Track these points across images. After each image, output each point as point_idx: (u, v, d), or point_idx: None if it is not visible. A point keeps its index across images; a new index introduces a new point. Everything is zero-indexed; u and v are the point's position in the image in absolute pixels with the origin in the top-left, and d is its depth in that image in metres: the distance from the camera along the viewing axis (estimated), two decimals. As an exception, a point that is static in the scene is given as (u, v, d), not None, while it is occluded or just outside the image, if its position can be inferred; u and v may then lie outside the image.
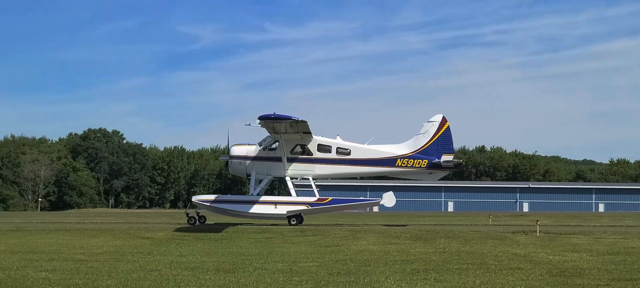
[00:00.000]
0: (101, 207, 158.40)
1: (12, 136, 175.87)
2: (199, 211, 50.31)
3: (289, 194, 49.69)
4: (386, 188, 55.99)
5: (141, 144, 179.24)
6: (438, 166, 50.32)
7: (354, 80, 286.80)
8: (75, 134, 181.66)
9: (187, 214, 49.62)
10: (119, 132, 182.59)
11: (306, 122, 45.58)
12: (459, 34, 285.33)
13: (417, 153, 50.14)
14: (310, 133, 48.43)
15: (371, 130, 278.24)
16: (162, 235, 35.99)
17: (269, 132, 48.37)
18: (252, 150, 50.06)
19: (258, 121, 44.37)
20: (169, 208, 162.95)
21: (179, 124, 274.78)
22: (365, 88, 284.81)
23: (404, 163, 50.16)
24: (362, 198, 59.46)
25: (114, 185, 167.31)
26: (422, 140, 50.27)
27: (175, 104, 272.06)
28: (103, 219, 59.35)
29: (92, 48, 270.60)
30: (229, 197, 58.67)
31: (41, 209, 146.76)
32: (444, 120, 50.34)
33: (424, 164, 50.05)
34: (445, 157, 49.80)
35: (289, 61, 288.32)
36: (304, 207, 49.06)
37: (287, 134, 48.22)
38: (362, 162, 50.41)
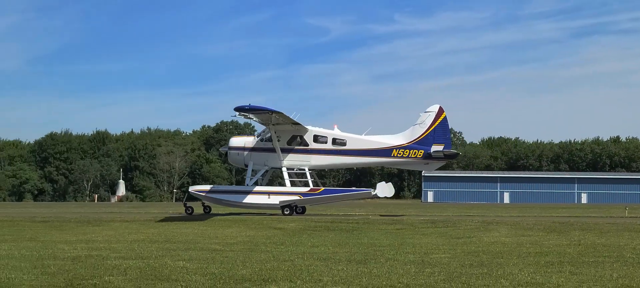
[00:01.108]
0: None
1: (149, 129, 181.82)
2: (204, 202, 52.01)
3: (284, 185, 50.23)
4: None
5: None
6: (448, 156, 51.04)
7: (484, 70, 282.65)
8: (208, 127, 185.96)
9: (185, 204, 51.10)
10: (250, 125, 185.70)
11: (282, 113, 46.18)
12: (593, 22, 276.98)
13: (414, 144, 50.04)
14: (299, 124, 49.16)
15: (499, 121, 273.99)
16: (293, 225, 36.41)
17: (262, 124, 49.33)
18: (249, 141, 51.49)
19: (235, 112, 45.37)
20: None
21: (309, 116, 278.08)
22: (495, 78, 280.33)
23: (400, 154, 50.26)
24: (354, 188, 58.79)
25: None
26: (418, 130, 50.16)
27: (305, 96, 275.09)
28: (239, 210, 60.63)
29: (224, 42, 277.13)
30: (223, 187, 61.24)
31: (176, 200, 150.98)
32: (441, 110, 50.16)
33: (420, 154, 49.97)
34: (435, 147, 49.60)
35: (418, 52, 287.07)
36: (296, 197, 49.54)
37: (280, 125, 49.11)
38: (358, 152, 50.68)
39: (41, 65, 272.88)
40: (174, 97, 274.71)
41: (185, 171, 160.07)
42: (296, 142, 50.21)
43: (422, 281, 16.53)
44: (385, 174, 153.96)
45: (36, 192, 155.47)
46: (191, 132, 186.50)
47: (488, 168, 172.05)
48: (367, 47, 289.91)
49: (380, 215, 48.85)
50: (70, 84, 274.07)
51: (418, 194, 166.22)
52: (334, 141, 50.50)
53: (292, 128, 49.73)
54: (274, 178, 59.45)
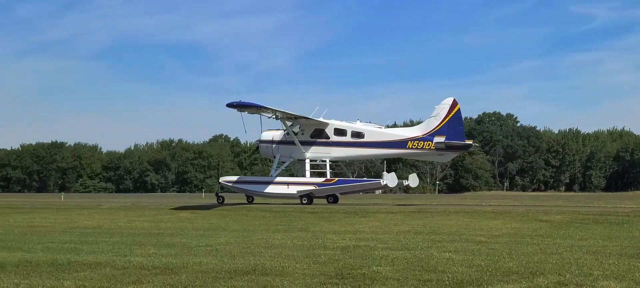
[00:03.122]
0: (496, 189, 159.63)
1: (411, 121, 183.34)
2: (218, 193, 57.51)
3: (304, 175, 53.95)
4: None
5: (535, 127, 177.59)
6: (452, 147, 52.54)
7: None
8: (470, 118, 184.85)
9: (217, 194, 56.85)
10: (513, 115, 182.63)
11: (270, 108, 48.96)
12: None
13: (428, 136, 52.19)
14: (304, 117, 52.61)
15: None
16: (559, 218, 35.26)
17: (278, 119, 52.73)
18: (277, 135, 55.01)
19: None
20: (564, 191, 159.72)
21: (571, 106, 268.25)
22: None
23: (415, 146, 52.47)
24: (365, 179, 59.64)
25: (509, 168, 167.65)
26: (433, 122, 52.32)
27: (567, 86, 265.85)
28: (499, 202, 59.81)
29: (484, 32, 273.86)
30: (248, 178, 65.31)
31: (438, 192, 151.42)
32: (454, 103, 52.29)
33: (433, 146, 52.02)
34: (438, 138, 51.87)
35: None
36: (312, 188, 53.05)
37: (303, 119, 52.78)
38: (376, 144, 53.43)
39: (308, 61, 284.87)
40: (435, 89, 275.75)
41: (448, 163, 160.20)
42: (318, 135, 53.74)
43: None
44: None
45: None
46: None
47: None
48: (635, 34, 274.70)
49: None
50: (336, 78, 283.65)
51: None
52: (353, 134, 53.59)
53: (315, 122, 52.91)
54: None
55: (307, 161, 53.88)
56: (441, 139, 51.75)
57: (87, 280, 16.31)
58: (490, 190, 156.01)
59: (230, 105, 48.04)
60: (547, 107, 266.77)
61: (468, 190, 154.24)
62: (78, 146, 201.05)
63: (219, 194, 56.79)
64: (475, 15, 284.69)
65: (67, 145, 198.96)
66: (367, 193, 59.77)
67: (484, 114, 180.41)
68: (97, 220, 34.36)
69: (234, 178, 59.01)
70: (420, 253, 20.13)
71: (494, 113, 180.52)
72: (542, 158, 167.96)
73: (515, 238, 24.85)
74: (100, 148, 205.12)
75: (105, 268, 17.81)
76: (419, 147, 52.51)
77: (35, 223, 32.78)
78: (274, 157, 55.50)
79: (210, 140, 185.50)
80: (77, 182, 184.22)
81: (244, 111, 49.86)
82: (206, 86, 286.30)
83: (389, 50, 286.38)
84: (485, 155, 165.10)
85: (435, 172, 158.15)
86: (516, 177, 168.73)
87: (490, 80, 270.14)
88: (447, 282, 15.63)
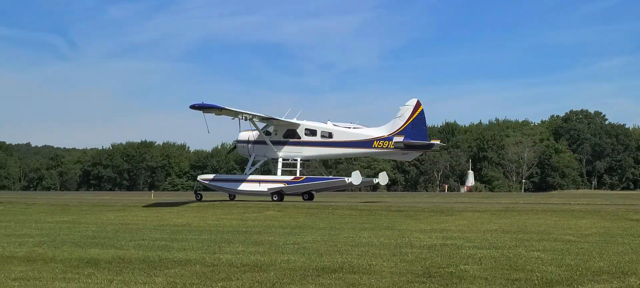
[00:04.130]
0: (583, 188, 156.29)
1: (496, 120, 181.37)
2: (197, 190, 59.37)
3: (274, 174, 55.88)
4: None
5: (624, 125, 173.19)
6: (411, 147, 53.88)
7: None
8: (557, 116, 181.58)
9: (195, 191, 58.81)
10: (601, 113, 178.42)
11: (230, 109, 49.91)
12: None
13: (393, 135, 53.66)
14: (272, 118, 54.44)
15: None
16: (651, 217, 34.35)
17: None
18: (253, 135, 56.49)
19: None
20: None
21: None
22: None
23: (380, 145, 54.06)
24: (331, 177, 59.65)
25: (597, 166, 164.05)
26: (398, 122, 53.75)
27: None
28: (588, 200, 58.60)
29: (571, 30, 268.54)
30: (224, 176, 66.64)
31: (524, 190, 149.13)
32: (418, 104, 53.69)
33: (402, 145, 53.61)
34: (397, 138, 53.42)
35: None
36: (282, 185, 54.67)
37: (276, 121, 54.71)
38: (343, 144, 55.05)
39: (392, 60, 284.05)
40: (521, 87, 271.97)
41: (534, 161, 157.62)
42: (290, 135, 55.47)
43: None
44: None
45: (390, 183, 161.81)
46: (539, 122, 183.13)
47: None
48: None
49: None
50: (419, 76, 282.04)
51: None
52: (323, 134, 55.29)
53: (287, 123, 54.87)
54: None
55: (280, 160, 55.62)
56: (400, 138, 53.38)
57: (178, 277, 16.62)
58: (577, 188, 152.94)
59: (193, 106, 49.13)
60: (637, 105, 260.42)
61: (555, 188, 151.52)
62: (167, 145, 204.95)
63: (198, 191, 58.44)
64: (562, 13, 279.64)
65: (156, 144, 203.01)
66: (336, 191, 61.87)
67: (571, 112, 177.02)
68: (187, 218, 34.96)
69: (211, 176, 61.14)
70: (508, 252, 19.89)
71: (582, 111, 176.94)
72: (631, 156, 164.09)
73: (605, 238, 24.33)
74: (188, 147, 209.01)
75: (196, 265, 18.12)
76: (384, 146, 54.24)
77: (127, 221, 33.54)
78: (250, 156, 57.06)
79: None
80: (166, 181, 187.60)
81: (208, 112, 50.62)
82: (290, 85, 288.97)
83: (473, 49, 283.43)
84: (572, 154, 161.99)
85: (522, 171, 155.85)
86: (604, 175, 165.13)
87: (578, 77, 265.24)
88: (536, 281, 15.42)
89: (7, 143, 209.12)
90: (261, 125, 56.29)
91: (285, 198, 54.99)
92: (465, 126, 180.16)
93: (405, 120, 53.63)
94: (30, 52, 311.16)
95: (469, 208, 41.64)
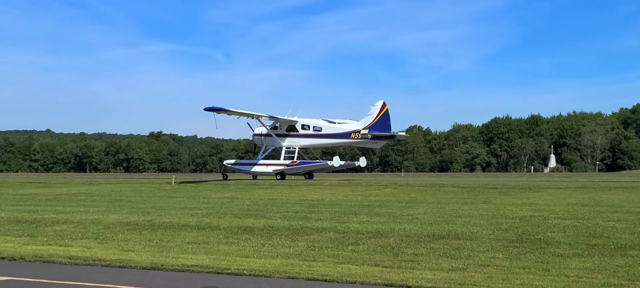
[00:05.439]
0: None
1: (574, 112, 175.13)
2: (223, 171, 61.44)
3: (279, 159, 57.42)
4: None
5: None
6: (378, 137, 55.51)
7: None
8: (626, 109, 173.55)
9: (222, 172, 61.25)
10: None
11: (232, 110, 51.10)
12: None
13: (365, 129, 55.54)
14: (276, 117, 56.13)
15: None
16: None
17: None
18: (264, 129, 57.67)
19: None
20: None
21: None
22: None
23: (355, 136, 55.91)
24: (317, 160, 60.01)
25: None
26: (369, 119, 55.72)
27: None
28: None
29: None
30: (242, 160, 66.64)
31: (598, 171, 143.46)
32: (384, 105, 55.52)
33: (369, 136, 55.55)
34: (363, 131, 55.49)
35: None
36: (283, 167, 56.29)
37: (280, 118, 56.35)
38: (329, 135, 56.81)
39: (485, 64, 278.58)
40: (595, 85, 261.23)
41: (606, 146, 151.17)
42: (291, 129, 56.71)
43: None
44: None
45: (484, 165, 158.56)
46: (611, 114, 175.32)
47: None
48: None
49: None
50: (509, 77, 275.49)
51: None
52: (314, 128, 56.79)
53: (287, 120, 56.46)
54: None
55: (283, 148, 57.09)
56: (366, 131, 55.43)
57: (316, 241, 16.79)
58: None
59: (206, 109, 50.65)
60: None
61: (624, 169, 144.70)
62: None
63: (224, 172, 60.88)
64: (631, 20, 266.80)
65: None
66: (323, 172, 61.87)
67: (638, 104, 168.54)
68: (321, 194, 35.24)
69: (233, 160, 63.60)
70: (587, 222, 19.15)
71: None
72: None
73: (672, 210, 23.03)
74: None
75: (330, 232, 18.26)
76: (358, 137, 55.93)
77: (273, 196, 34.10)
78: (262, 146, 58.54)
79: (407, 129, 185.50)
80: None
81: (219, 113, 51.89)
82: (403, 86, 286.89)
83: (555, 53, 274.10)
84: (639, 140, 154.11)
85: (596, 154, 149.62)
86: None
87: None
88: (612, 246, 14.80)
89: (179, 135, 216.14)
90: (270, 122, 58.11)
91: (288, 177, 57.13)
92: (547, 118, 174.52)
93: (374, 117, 55.58)
94: (197, 63, 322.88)
95: (552, 185, 40.32)
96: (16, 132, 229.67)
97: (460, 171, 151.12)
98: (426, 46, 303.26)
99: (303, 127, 57.38)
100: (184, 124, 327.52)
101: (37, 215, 24.35)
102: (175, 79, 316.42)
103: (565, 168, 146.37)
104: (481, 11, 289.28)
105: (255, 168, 58.04)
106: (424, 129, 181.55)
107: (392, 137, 58.10)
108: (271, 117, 57.10)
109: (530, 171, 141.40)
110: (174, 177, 62.91)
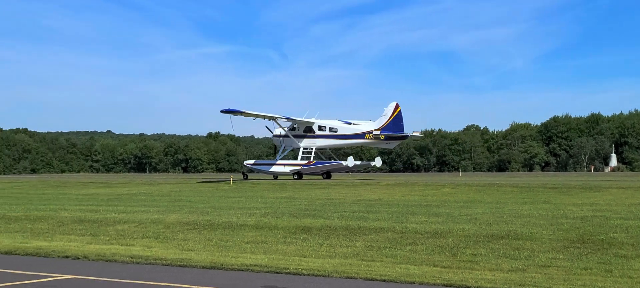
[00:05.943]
0: None
1: (636, 110, 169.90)
2: (243, 171, 63.58)
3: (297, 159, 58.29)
4: None
5: None
6: (391, 138, 56.21)
7: None
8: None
9: (243, 173, 62.69)
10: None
11: (247, 112, 53.22)
12: None
13: (379, 130, 56.03)
14: (293, 119, 57.30)
15: None
16: None
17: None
18: (282, 131, 58.55)
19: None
20: None
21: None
22: None
23: (369, 137, 56.56)
24: (333, 160, 60.02)
25: None
26: (383, 120, 56.26)
27: None
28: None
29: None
30: (261, 161, 69.06)
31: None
32: (397, 106, 56.05)
33: (382, 137, 56.08)
34: (376, 132, 56.11)
35: None
36: (299, 168, 57.29)
37: (297, 120, 57.24)
38: (344, 136, 57.50)
39: (543, 63, 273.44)
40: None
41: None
42: (308, 131, 57.45)
43: None
44: None
45: (543, 164, 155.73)
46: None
47: None
48: None
49: None
50: (568, 76, 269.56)
51: None
52: (330, 129, 57.45)
53: (304, 121, 57.20)
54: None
55: (301, 149, 57.76)
56: (378, 132, 56.08)
57: (374, 241, 16.78)
58: None
59: (223, 111, 52.47)
60: None
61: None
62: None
63: (245, 172, 62.23)
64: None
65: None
66: (338, 172, 61.24)
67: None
68: (378, 194, 35.17)
69: (253, 161, 65.14)
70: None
71: None
72: None
73: None
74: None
75: (387, 232, 18.21)
76: (372, 138, 56.42)
77: (331, 196, 34.17)
78: (281, 146, 59.73)
79: (464, 129, 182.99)
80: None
81: (236, 115, 53.78)
82: (460, 85, 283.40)
83: (614, 51, 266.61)
84: None
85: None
86: None
87: None
88: (679, 248, 14.37)
89: (236, 135, 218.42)
90: (288, 124, 58.90)
91: (305, 177, 57.51)
92: (608, 116, 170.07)
93: (388, 118, 56.08)
94: (253, 64, 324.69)
95: (614, 185, 39.27)
96: (78, 133, 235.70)
97: (518, 171, 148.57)
98: (483, 45, 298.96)
99: (320, 128, 58.32)
100: (241, 124, 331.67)
101: (99, 214, 24.98)
102: (232, 80, 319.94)
103: (626, 167, 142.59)
104: (538, 9, 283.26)
105: (274, 168, 59.42)
106: (481, 128, 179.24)
107: (405, 137, 59.13)
108: (289, 119, 58.43)
109: (591, 171, 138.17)
110: (232, 177, 63.78)
